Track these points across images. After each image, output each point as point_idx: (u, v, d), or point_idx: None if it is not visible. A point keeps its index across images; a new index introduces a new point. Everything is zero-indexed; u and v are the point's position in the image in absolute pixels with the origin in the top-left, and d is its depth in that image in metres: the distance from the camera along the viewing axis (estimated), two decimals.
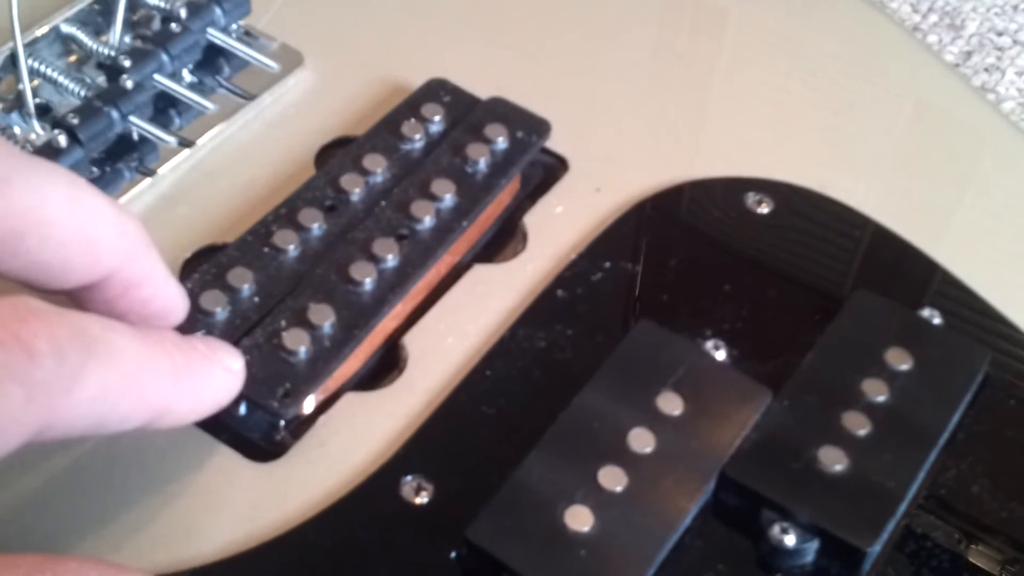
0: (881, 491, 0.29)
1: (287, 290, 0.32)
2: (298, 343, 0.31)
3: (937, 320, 0.33)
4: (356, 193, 0.34)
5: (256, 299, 0.32)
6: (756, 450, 0.30)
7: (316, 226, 0.33)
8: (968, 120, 0.40)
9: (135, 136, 0.37)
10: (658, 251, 0.35)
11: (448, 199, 0.34)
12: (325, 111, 0.39)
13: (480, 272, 0.35)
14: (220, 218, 0.36)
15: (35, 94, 0.37)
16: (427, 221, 0.34)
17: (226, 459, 0.30)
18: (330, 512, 0.29)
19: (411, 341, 0.33)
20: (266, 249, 0.33)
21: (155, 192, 0.36)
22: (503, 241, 0.36)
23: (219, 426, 0.30)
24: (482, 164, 0.35)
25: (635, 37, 0.43)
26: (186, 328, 0.30)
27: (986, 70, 0.51)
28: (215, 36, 0.39)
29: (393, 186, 0.35)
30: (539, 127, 0.36)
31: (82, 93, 0.37)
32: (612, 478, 0.29)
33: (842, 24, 0.43)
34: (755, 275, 0.35)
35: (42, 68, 0.38)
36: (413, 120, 0.36)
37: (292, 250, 0.33)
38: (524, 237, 0.36)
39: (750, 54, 0.42)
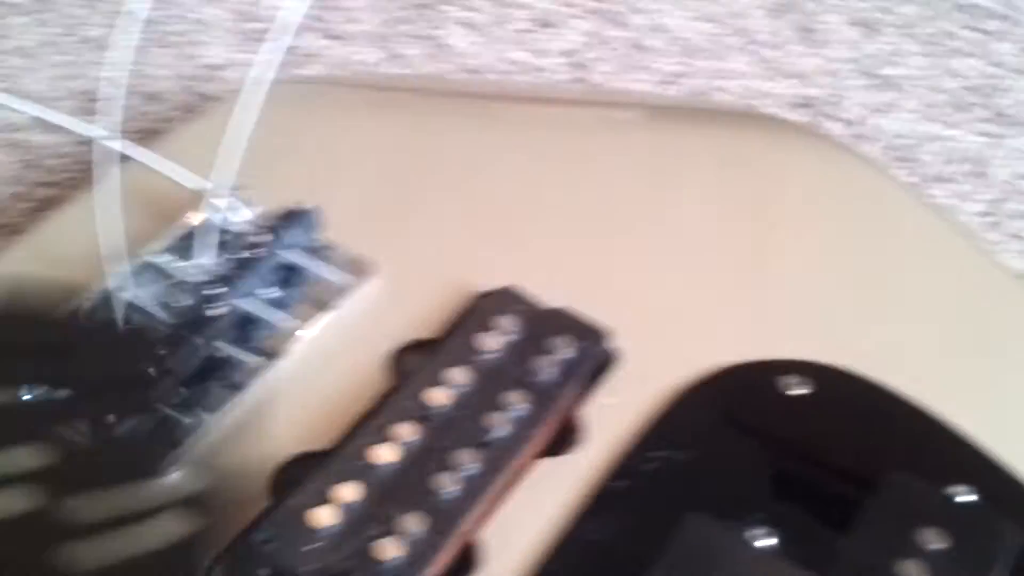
0: None
1: (381, 501, 0.35)
2: (391, 552, 0.34)
3: (971, 497, 0.35)
4: (441, 405, 0.38)
5: (361, 512, 0.35)
6: None
7: (406, 439, 0.37)
8: (984, 286, 0.43)
9: (223, 355, 0.41)
10: (704, 438, 0.38)
11: (519, 409, 0.38)
12: (396, 316, 0.43)
13: (544, 467, 0.38)
14: (307, 425, 0.39)
15: (127, 322, 0.41)
16: (500, 431, 0.37)
17: None
18: None
19: (484, 539, 0.36)
20: (362, 463, 0.36)
21: (243, 406, 0.40)
22: (563, 433, 0.39)
23: None
24: (549, 374, 0.38)
25: (670, 224, 0.46)
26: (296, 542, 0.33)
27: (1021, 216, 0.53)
28: (292, 255, 0.43)
29: (471, 397, 0.38)
30: (601, 335, 0.40)
31: (170, 321, 0.41)
32: None
33: (864, 200, 0.46)
34: (796, 458, 0.37)
35: (139, 295, 0.42)
36: (489, 333, 0.40)
37: (386, 464, 0.36)
38: (582, 429, 0.39)
39: (777, 236, 0.45)
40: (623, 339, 0.41)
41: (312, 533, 0.34)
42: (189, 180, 0.44)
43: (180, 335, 0.40)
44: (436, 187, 0.48)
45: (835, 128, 0.60)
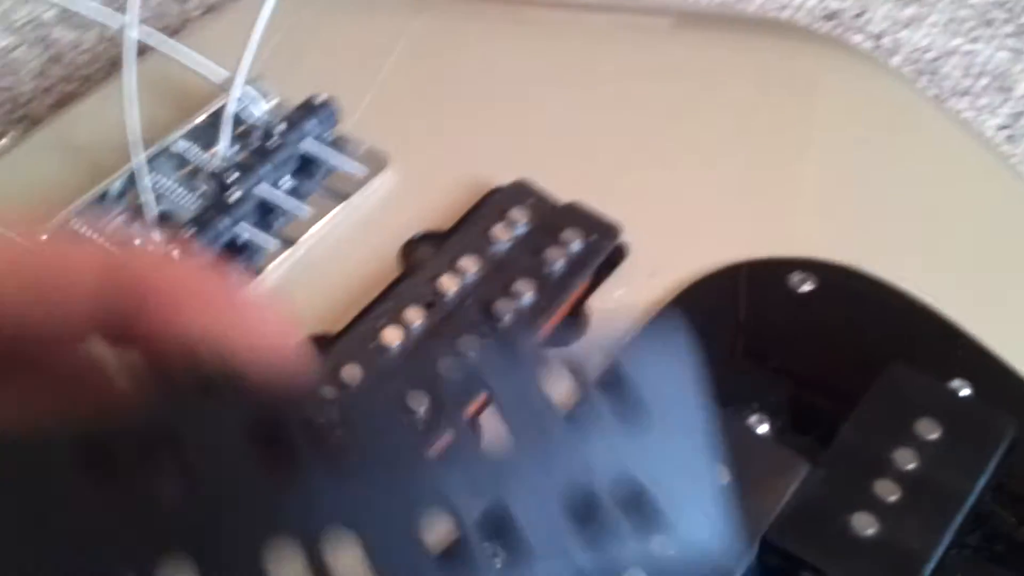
0: (909, 553, 0.32)
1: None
2: None
3: (966, 391, 0.36)
4: (451, 292, 0.38)
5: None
6: (795, 516, 0.33)
7: (417, 324, 0.38)
8: (1002, 196, 0.43)
9: (241, 240, 0.42)
10: (707, 331, 0.38)
11: (528, 298, 0.38)
12: (409, 209, 0.43)
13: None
14: (320, 310, 0.40)
15: (155, 204, 0.42)
16: (507, 319, 0.38)
17: None
18: None
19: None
20: (372, 345, 0.37)
21: (261, 289, 0.41)
22: (568, 323, 0.40)
23: None
24: (559, 265, 0.39)
25: (681, 125, 0.46)
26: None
27: None
28: (309, 145, 0.44)
29: (481, 285, 0.39)
30: (610, 230, 0.40)
31: (194, 204, 0.42)
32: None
33: (880, 104, 0.46)
34: (797, 351, 0.38)
35: (160, 182, 0.43)
36: (500, 224, 0.40)
37: (395, 346, 0.37)
38: (587, 320, 0.39)
39: (794, 138, 0.46)
40: (633, 234, 0.41)
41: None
42: (210, 71, 0.45)
43: (205, 217, 0.40)
44: (455, 86, 0.49)
45: (858, 40, 0.60)
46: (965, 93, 0.56)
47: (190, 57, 0.45)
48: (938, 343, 0.38)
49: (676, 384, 0.22)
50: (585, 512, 0.20)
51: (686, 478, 0.21)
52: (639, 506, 0.21)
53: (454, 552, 0.19)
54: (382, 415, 0.20)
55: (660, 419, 0.21)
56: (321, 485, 0.19)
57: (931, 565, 0.32)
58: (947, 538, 0.32)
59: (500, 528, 0.20)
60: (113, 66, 0.60)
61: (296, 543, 0.18)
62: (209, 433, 0.18)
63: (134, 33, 0.42)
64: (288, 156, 0.43)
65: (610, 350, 0.22)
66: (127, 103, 0.41)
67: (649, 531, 0.21)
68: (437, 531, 0.19)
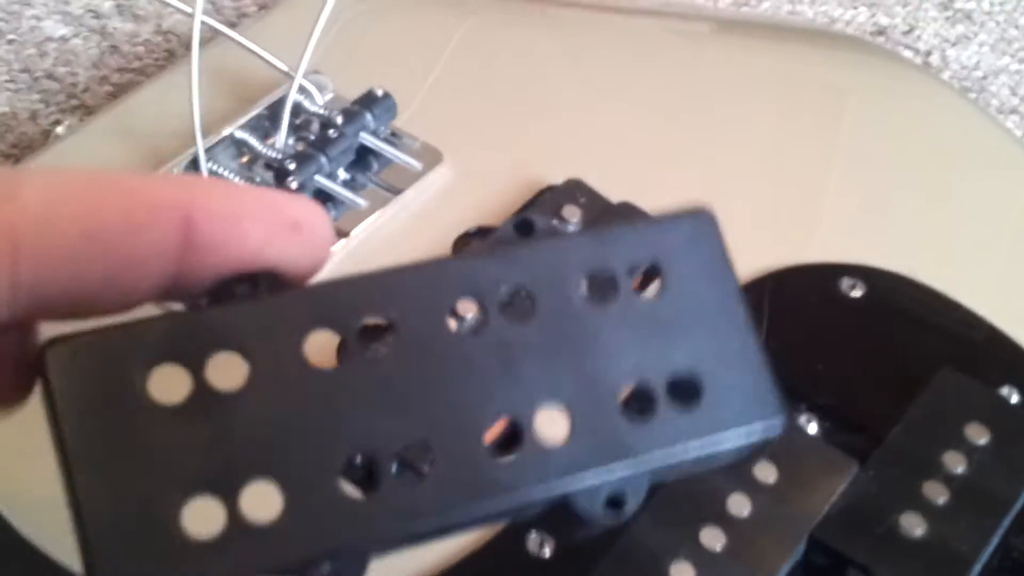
0: (957, 555, 0.32)
1: None
2: None
3: (1016, 398, 0.36)
4: None
5: None
6: (843, 515, 0.33)
7: (469, 316, 0.38)
8: None
9: None
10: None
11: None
12: (462, 204, 0.44)
13: None
14: None
15: None
16: None
17: None
18: (463, 563, 0.34)
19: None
20: None
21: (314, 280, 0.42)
22: None
23: None
24: None
25: (739, 127, 0.47)
26: None
27: None
28: (366, 138, 0.44)
29: None
30: None
31: None
32: (712, 538, 0.33)
33: (938, 117, 0.47)
34: (847, 354, 0.38)
35: (219, 169, 0.43)
36: (553, 221, 0.41)
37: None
38: None
39: (848, 145, 0.46)
40: None
41: None
42: (272, 62, 0.46)
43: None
44: (508, 84, 0.49)
45: (907, 57, 0.61)
46: (1013, 111, 0.57)
47: (255, 47, 0.45)
48: (987, 350, 0.38)
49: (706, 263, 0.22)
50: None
51: (728, 350, 0.21)
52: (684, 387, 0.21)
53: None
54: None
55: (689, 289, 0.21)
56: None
57: (978, 568, 0.32)
58: (994, 542, 0.33)
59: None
60: (169, 58, 0.61)
61: None
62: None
63: (201, 19, 0.43)
64: (346, 148, 0.44)
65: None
66: (192, 89, 0.42)
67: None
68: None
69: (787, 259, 0.41)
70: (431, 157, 0.45)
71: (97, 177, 0.19)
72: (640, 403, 0.20)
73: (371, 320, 0.19)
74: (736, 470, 0.34)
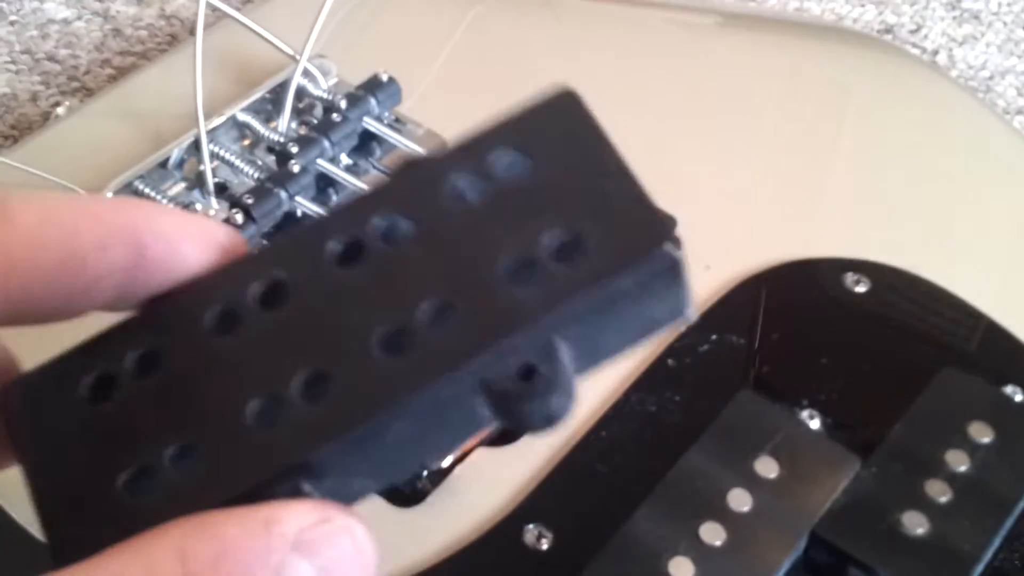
0: (959, 553, 0.32)
1: None
2: None
3: (1019, 397, 0.36)
4: None
5: None
6: (845, 512, 0.33)
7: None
8: None
9: (299, 213, 0.42)
10: (761, 325, 0.39)
11: None
12: None
13: None
14: None
15: (214, 174, 0.43)
16: None
17: (373, 504, 0.35)
18: (462, 554, 0.33)
19: None
20: None
21: None
22: None
23: None
24: None
25: (747, 121, 0.46)
26: None
27: None
28: (369, 124, 0.44)
29: None
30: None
31: (255, 175, 0.42)
32: (712, 533, 0.33)
33: (946, 114, 0.46)
34: (850, 350, 0.38)
35: (220, 152, 0.43)
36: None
37: None
38: None
39: (856, 142, 0.46)
40: (688, 228, 0.41)
41: None
42: (278, 45, 0.45)
43: (263, 188, 0.41)
44: (513, 73, 0.49)
45: (914, 53, 0.60)
46: (1020, 112, 0.56)
47: (260, 29, 0.45)
48: (992, 349, 0.38)
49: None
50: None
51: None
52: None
53: None
54: None
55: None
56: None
57: (981, 567, 0.32)
58: (997, 541, 0.32)
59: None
60: (172, 42, 0.61)
61: None
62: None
63: (206, 0, 0.42)
64: (349, 132, 0.43)
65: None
66: (196, 69, 0.42)
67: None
68: None
69: (792, 253, 0.41)
70: (435, 144, 0.45)
71: (75, 202, 0.22)
72: (527, 271, 0.20)
73: (260, 287, 0.21)
74: (737, 465, 0.34)
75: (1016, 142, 0.46)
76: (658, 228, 0.21)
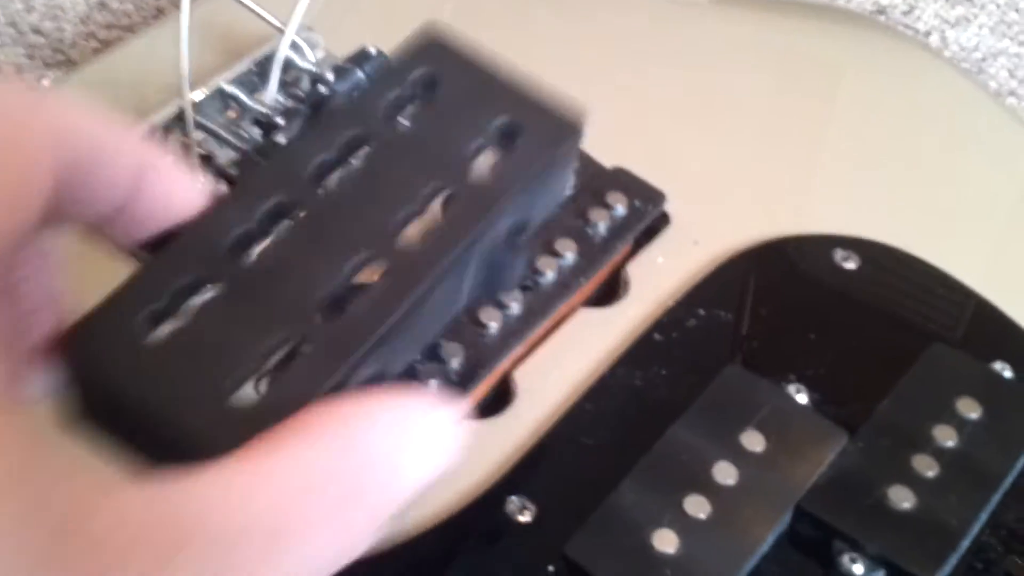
0: (945, 528, 0.32)
1: None
2: (429, 377, 0.35)
3: (1008, 373, 0.35)
4: None
5: None
6: (831, 486, 0.33)
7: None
8: None
9: None
10: (749, 301, 0.38)
11: (569, 257, 0.38)
12: None
13: (585, 315, 0.38)
14: None
15: (199, 146, 0.42)
16: (549, 275, 0.37)
17: None
18: (443, 526, 0.33)
19: (521, 376, 0.37)
20: None
21: None
22: (607, 287, 0.40)
23: None
24: (601, 227, 0.39)
25: (738, 99, 0.46)
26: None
27: None
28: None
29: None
30: (655, 197, 0.40)
31: (239, 147, 0.42)
32: (697, 506, 0.32)
33: (938, 94, 0.46)
34: (838, 326, 0.38)
35: (206, 123, 0.43)
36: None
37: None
38: (627, 284, 0.39)
39: (847, 120, 0.45)
40: (677, 204, 0.41)
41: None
42: (264, 16, 0.45)
43: (247, 160, 0.40)
44: (501, 49, 0.48)
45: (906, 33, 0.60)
46: (1012, 94, 0.56)
47: (248, 1, 0.45)
48: (981, 325, 0.37)
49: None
50: None
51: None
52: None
53: None
54: None
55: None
56: None
57: (967, 542, 0.32)
58: (984, 516, 0.32)
59: None
60: (158, 16, 0.60)
61: None
62: None
63: None
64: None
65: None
66: (181, 39, 0.41)
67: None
68: None
69: (781, 229, 0.40)
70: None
71: (110, 114, 0.24)
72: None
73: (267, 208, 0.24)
74: (723, 438, 0.33)
75: (1008, 122, 0.46)
76: (574, 114, 0.28)
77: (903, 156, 0.44)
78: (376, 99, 0.27)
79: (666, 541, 0.31)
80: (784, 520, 0.32)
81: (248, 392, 0.22)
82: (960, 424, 0.34)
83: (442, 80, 0.28)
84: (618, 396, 0.36)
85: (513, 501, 0.33)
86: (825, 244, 0.39)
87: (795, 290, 0.39)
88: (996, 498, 0.32)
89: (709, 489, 0.32)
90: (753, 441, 0.33)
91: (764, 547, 0.32)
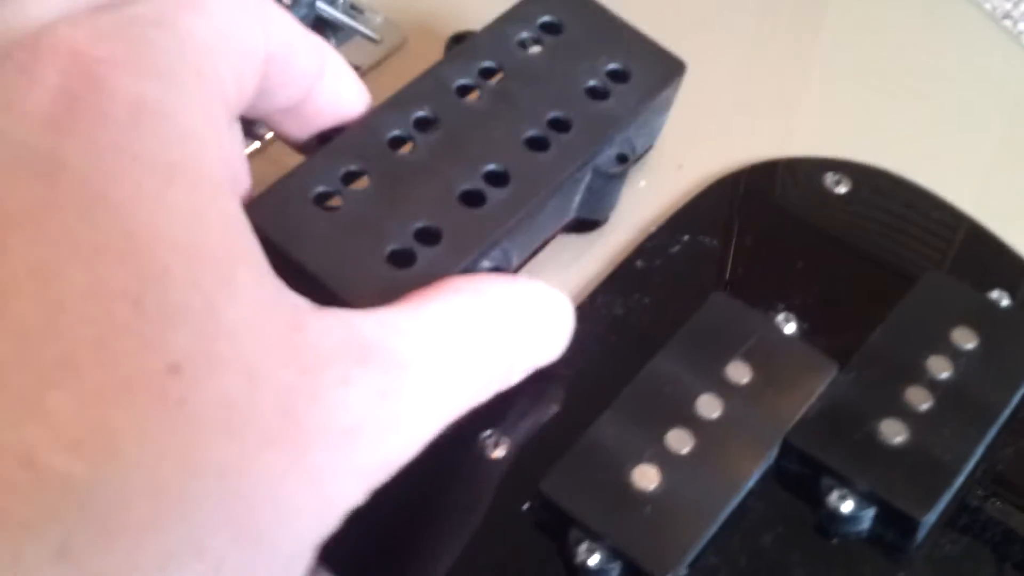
0: (938, 464, 0.30)
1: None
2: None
3: (1006, 302, 0.34)
4: None
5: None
6: (819, 420, 0.31)
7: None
8: None
9: None
10: (735, 227, 0.36)
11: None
12: None
13: (564, 241, 0.36)
14: None
15: None
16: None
17: None
18: (413, 462, 0.31)
19: None
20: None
21: (267, 154, 0.39)
22: None
23: None
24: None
25: (724, 21, 0.44)
26: None
27: None
28: (324, 9, 0.41)
29: None
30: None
31: None
32: (679, 440, 0.31)
33: (931, 13, 0.44)
34: (828, 253, 0.36)
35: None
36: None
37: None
38: None
39: (836, 40, 0.43)
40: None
41: None
42: None
43: None
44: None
45: None
46: (1006, 16, 0.54)
47: None
48: (977, 253, 0.36)
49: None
50: None
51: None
52: None
53: None
54: None
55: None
56: None
57: (961, 479, 0.30)
58: (979, 451, 0.31)
59: None
60: None
61: None
62: None
63: None
64: (302, 18, 0.40)
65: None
66: None
67: None
68: None
69: (770, 152, 0.38)
70: (392, 33, 0.42)
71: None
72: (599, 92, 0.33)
73: (414, 117, 0.31)
74: (707, 369, 0.32)
75: (1004, 43, 0.44)
76: (676, 59, 0.35)
77: (896, 78, 0.42)
78: (511, 35, 0.33)
79: (647, 477, 0.30)
80: (770, 456, 0.31)
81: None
82: (955, 354, 0.32)
83: (566, 23, 0.33)
84: (598, 325, 0.34)
85: (486, 435, 0.31)
86: (815, 167, 0.38)
87: (784, 215, 0.37)
88: (992, 432, 0.31)
89: (692, 423, 0.31)
90: (739, 372, 0.32)
91: (749, 483, 0.30)
